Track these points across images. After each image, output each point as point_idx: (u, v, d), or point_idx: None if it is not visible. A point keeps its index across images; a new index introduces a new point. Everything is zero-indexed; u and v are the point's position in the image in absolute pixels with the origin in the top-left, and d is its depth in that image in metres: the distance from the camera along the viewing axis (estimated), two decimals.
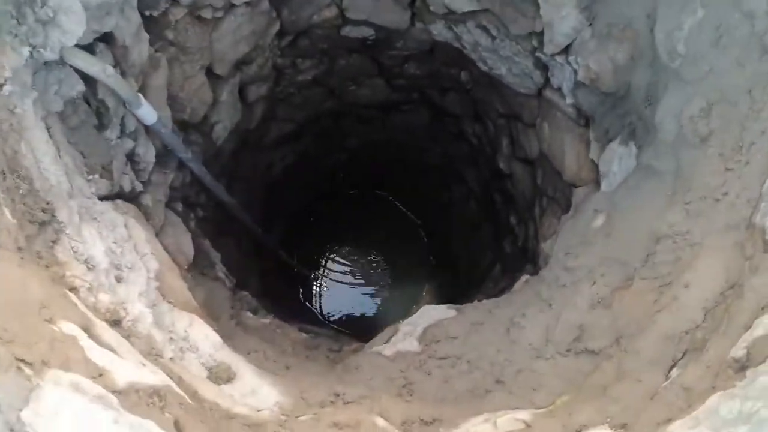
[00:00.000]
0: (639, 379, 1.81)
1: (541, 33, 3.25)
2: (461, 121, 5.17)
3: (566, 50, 3.21)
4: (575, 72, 3.19)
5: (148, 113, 2.62)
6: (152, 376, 1.48)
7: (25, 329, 1.29)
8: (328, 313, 7.83)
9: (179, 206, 3.21)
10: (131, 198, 2.56)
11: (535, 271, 3.89)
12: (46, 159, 1.97)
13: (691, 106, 2.26)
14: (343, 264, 8.22)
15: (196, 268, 2.97)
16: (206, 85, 3.34)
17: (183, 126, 3.34)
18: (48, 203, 1.86)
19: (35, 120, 1.99)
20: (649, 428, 1.57)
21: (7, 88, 1.82)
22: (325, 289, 8.06)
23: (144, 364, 1.57)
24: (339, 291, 8.10)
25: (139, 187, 2.66)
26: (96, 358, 1.38)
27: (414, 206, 8.11)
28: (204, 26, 3.15)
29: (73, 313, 1.50)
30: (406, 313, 7.72)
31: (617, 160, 2.98)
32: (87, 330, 1.47)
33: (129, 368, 1.44)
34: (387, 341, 2.66)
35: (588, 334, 2.11)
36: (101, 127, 2.49)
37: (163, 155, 3.01)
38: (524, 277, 3.14)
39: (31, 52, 1.94)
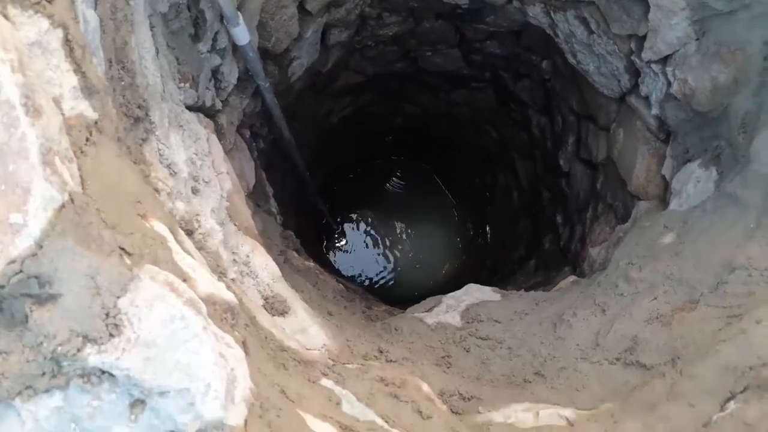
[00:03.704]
0: (692, 404, 1.78)
1: (643, 37, 3.14)
2: (527, 111, 5.08)
3: (665, 60, 3.11)
4: (669, 84, 3.09)
5: (242, 33, 2.60)
6: (227, 293, 1.47)
7: (123, 219, 1.28)
8: (343, 269, 7.84)
9: (247, 133, 3.20)
10: (209, 115, 2.55)
11: (575, 274, 3.85)
12: (148, 57, 1.95)
13: None
14: (369, 226, 8.22)
15: (252, 199, 2.97)
16: (296, 19, 3.29)
17: (263, 55, 3.30)
18: (144, 101, 1.84)
19: (143, 16, 1.98)
20: None
21: None
22: (345, 245, 8.07)
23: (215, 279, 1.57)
24: (358, 251, 8.11)
25: (219, 105, 2.64)
26: (181, 262, 1.37)
27: (453, 185, 8.04)
28: None
29: (162, 213, 1.50)
30: (418, 290, 7.77)
31: (693, 181, 2.91)
32: (173, 233, 1.47)
33: (207, 279, 1.43)
34: (429, 310, 2.65)
35: (641, 347, 2.08)
36: (196, 38, 2.47)
37: (243, 79, 2.98)
38: (571, 277, 3.10)
39: None
